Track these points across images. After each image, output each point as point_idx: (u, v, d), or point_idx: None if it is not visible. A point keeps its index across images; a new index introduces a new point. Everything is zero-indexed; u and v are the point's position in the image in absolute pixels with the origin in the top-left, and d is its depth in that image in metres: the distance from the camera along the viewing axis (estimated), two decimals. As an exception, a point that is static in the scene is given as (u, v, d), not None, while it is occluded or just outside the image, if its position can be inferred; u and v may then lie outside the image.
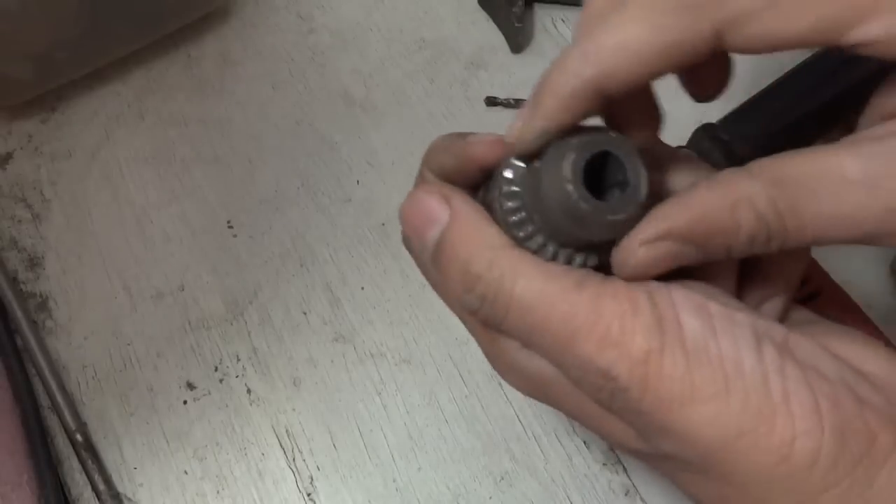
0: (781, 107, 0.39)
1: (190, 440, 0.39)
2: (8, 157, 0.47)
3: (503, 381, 0.40)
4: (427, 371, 0.41)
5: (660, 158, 0.25)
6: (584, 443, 0.39)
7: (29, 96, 0.47)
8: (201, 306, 0.42)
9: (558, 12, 0.52)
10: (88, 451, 0.38)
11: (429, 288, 0.42)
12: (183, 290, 0.43)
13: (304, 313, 0.42)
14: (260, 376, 0.40)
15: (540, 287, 0.22)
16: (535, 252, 0.23)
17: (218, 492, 0.38)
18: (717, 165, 0.38)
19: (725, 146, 0.39)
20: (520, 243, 0.23)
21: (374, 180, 0.46)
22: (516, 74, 0.49)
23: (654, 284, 0.21)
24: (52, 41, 0.43)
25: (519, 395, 0.40)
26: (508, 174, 0.24)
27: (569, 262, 0.23)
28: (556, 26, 0.52)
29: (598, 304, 0.21)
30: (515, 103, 0.48)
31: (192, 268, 0.43)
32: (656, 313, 0.20)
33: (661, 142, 0.26)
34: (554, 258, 0.23)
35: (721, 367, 0.20)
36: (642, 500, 0.38)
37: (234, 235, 0.44)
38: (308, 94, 0.49)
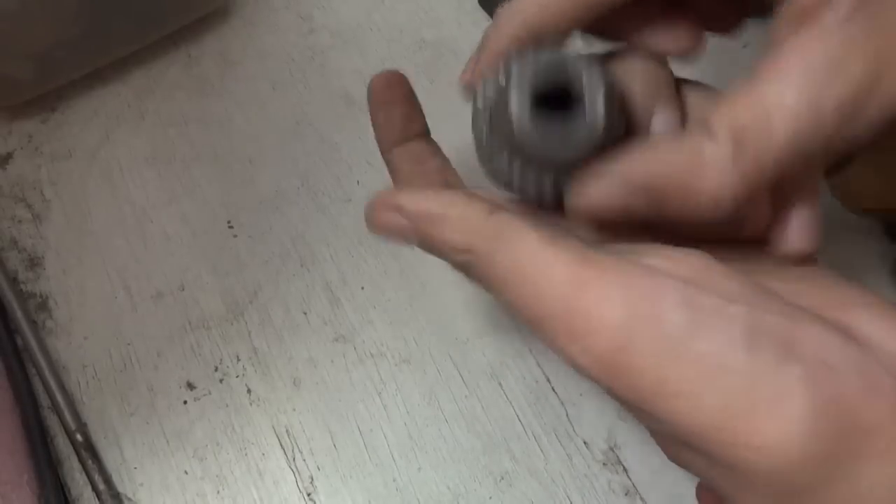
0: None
1: (190, 440, 0.39)
2: (8, 157, 0.47)
3: (503, 381, 0.40)
4: (427, 371, 0.41)
5: (658, 85, 0.25)
6: (585, 443, 0.39)
7: (29, 96, 0.47)
8: (201, 306, 0.42)
9: (558, 12, 0.52)
10: (88, 451, 0.38)
11: (429, 288, 0.43)
12: (183, 289, 0.43)
13: (305, 313, 0.42)
14: (260, 376, 0.41)
15: (525, 260, 0.21)
16: (504, 171, 0.23)
17: (218, 491, 0.38)
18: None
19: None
20: (488, 163, 0.24)
21: (375, 180, 0.46)
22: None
23: (648, 267, 0.21)
24: (53, 41, 0.43)
25: (519, 395, 0.40)
26: (482, 89, 0.24)
27: (539, 183, 0.23)
28: (556, 26, 0.52)
29: (575, 291, 0.20)
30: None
31: (192, 268, 0.43)
32: (631, 307, 0.20)
33: (667, 68, 0.26)
34: (522, 180, 0.23)
35: (698, 365, 0.19)
36: (642, 500, 0.38)
37: (235, 235, 0.44)
38: (308, 94, 0.49)
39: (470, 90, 0.25)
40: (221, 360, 0.41)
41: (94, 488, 0.37)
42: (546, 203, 0.24)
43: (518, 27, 0.24)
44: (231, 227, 0.45)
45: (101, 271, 0.43)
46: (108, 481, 0.38)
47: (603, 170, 0.22)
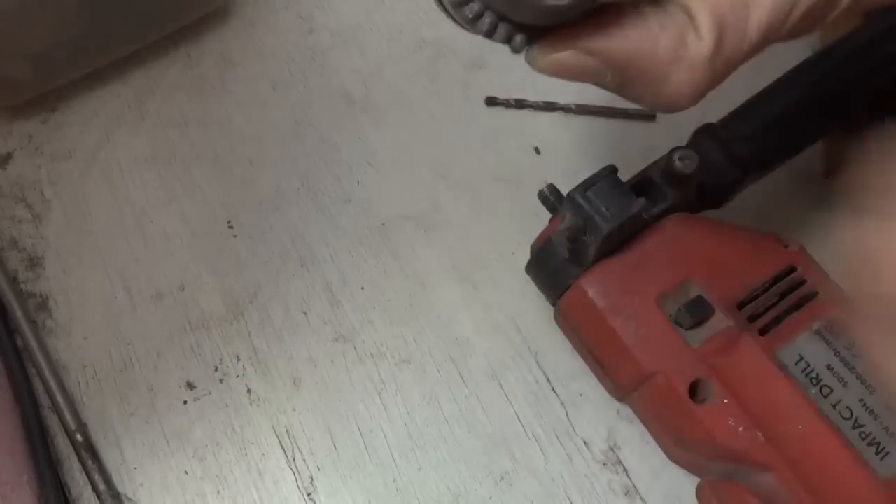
0: (781, 106, 0.39)
1: (190, 440, 0.39)
2: (8, 157, 0.47)
3: (503, 381, 0.40)
4: (427, 371, 0.41)
5: None
6: (585, 443, 0.39)
7: (29, 96, 0.47)
8: (201, 306, 0.42)
9: (558, 12, 0.52)
10: (88, 451, 0.38)
11: (429, 288, 0.43)
12: (183, 289, 0.43)
13: (305, 313, 0.42)
14: (260, 376, 0.40)
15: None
16: (471, 20, 0.22)
17: (218, 492, 0.38)
18: (717, 165, 0.38)
19: (726, 146, 0.39)
20: (456, 7, 0.22)
21: (375, 180, 0.46)
22: (516, 74, 0.49)
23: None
24: (53, 41, 0.43)
25: (519, 395, 0.40)
26: None
27: (509, 40, 0.22)
28: (556, 26, 0.52)
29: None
30: (515, 103, 0.48)
31: (192, 268, 0.43)
32: None
33: None
34: (489, 33, 0.22)
35: None
36: (642, 500, 0.38)
37: (235, 235, 0.44)
38: (308, 94, 0.49)
39: None
40: (221, 360, 0.41)
41: (94, 488, 0.37)
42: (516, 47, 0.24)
43: None
44: (231, 228, 0.45)
45: (101, 271, 0.43)
46: (108, 481, 0.38)
47: (576, 38, 0.22)
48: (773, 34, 0.22)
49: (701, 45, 0.21)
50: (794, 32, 0.22)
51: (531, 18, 0.22)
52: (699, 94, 0.22)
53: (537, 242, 0.39)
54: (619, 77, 0.22)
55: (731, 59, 0.22)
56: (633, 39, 0.22)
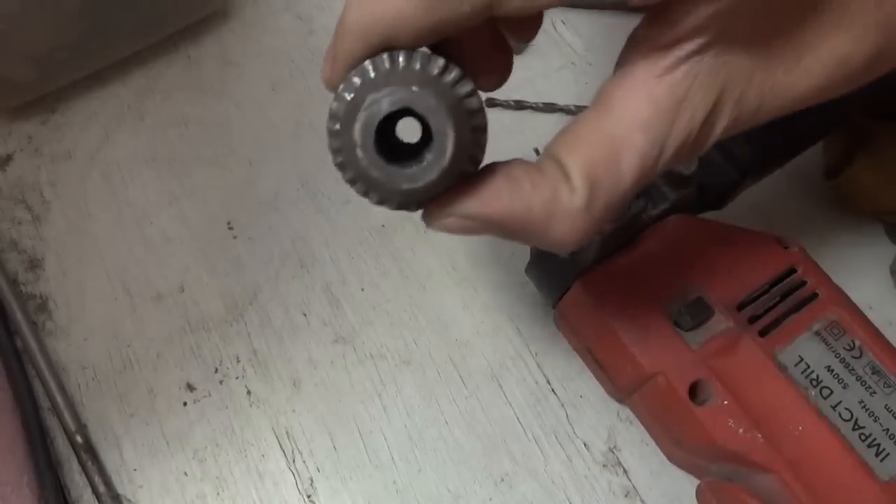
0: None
1: (190, 442, 0.39)
2: (8, 158, 0.47)
3: (503, 383, 0.40)
4: (427, 372, 0.41)
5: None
6: (585, 444, 0.39)
7: (29, 98, 0.47)
8: (201, 307, 0.42)
9: (558, 14, 0.52)
10: (88, 453, 0.38)
11: (429, 289, 0.43)
12: (183, 291, 0.43)
13: (304, 314, 0.42)
14: (260, 378, 0.40)
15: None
16: (363, 195, 0.22)
17: (218, 493, 0.38)
18: (717, 166, 0.38)
19: (726, 147, 0.39)
20: (338, 160, 0.22)
21: (374, 181, 0.46)
22: (516, 75, 0.49)
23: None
24: (53, 43, 0.43)
25: (519, 396, 0.40)
26: (333, 106, 0.22)
27: (386, 201, 0.23)
28: (555, 27, 0.52)
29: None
30: (515, 104, 0.48)
31: (191, 269, 0.43)
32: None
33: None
34: (379, 203, 0.22)
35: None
36: (642, 501, 0.38)
37: (234, 237, 0.44)
38: (308, 95, 0.49)
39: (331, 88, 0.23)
40: (221, 361, 0.41)
41: (94, 490, 0.37)
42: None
43: (370, 34, 0.23)
44: (231, 229, 0.45)
45: (100, 273, 0.43)
46: (107, 483, 0.38)
47: (452, 205, 0.23)
48: (648, 173, 0.23)
49: (574, 197, 0.22)
50: (672, 164, 0.23)
51: (397, 200, 0.22)
52: (584, 238, 0.23)
53: (537, 244, 0.39)
54: (501, 233, 0.23)
55: (610, 203, 0.22)
56: (506, 202, 0.22)
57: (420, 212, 0.24)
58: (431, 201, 0.23)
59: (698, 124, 0.22)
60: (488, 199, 0.22)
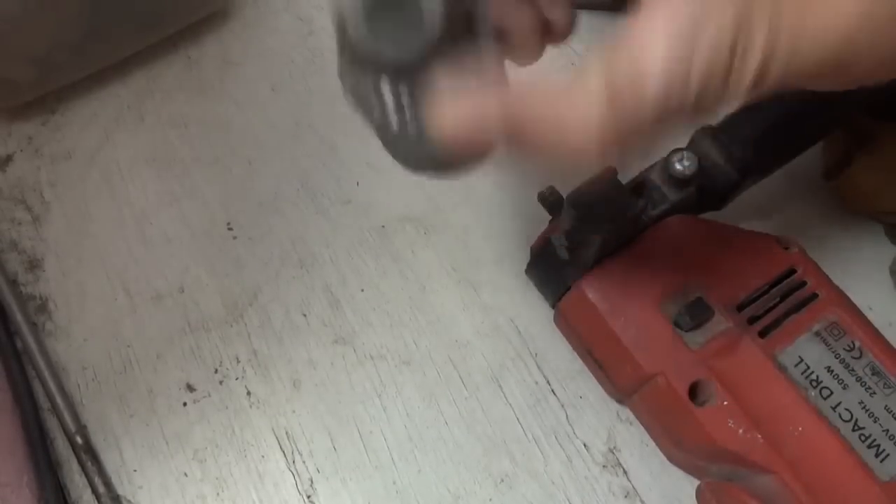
0: (781, 109, 0.39)
1: (190, 442, 0.39)
2: (8, 159, 0.47)
3: (503, 383, 0.40)
4: (427, 373, 0.41)
5: None
6: (584, 445, 0.39)
7: (29, 98, 0.47)
8: (201, 308, 0.42)
9: (558, 14, 0.52)
10: (88, 454, 0.38)
11: (429, 289, 0.43)
12: (183, 291, 0.43)
13: (304, 315, 0.42)
14: (260, 378, 0.40)
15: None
16: (351, 87, 0.22)
17: (218, 494, 0.38)
18: (717, 167, 0.38)
19: (726, 148, 0.39)
20: (343, 82, 0.22)
21: (374, 182, 0.46)
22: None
23: None
24: (53, 43, 0.43)
25: (519, 397, 0.40)
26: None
27: (379, 97, 0.22)
28: (555, 28, 0.52)
29: None
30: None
31: (191, 269, 0.43)
32: None
33: None
34: (365, 94, 0.22)
35: None
36: (642, 502, 0.38)
37: (234, 237, 0.44)
38: (308, 95, 0.49)
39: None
40: (221, 362, 0.41)
41: (94, 490, 0.37)
42: (390, 130, 0.23)
43: None
44: (231, 229, 0.45)
45: (100, 273, 0.43)
46: (107, 483, 0.38)
47: (468, 97, 0.22)
48: (673, 105, 0.22)
49: (592, 101, 0.22)
50: (700, 109, 0.22)
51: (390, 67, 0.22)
52: (594, 155, 0.22)
53: (537, 244, 0.39)
54: (515, 130, 0.23)
55: (628, 125, 0.22)
56: (527, 92, 0.22)
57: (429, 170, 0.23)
58: (420, 81, 0.21)
59: (724, 54, 0.21)
60: (509, 86, 0.22)
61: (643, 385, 0.35)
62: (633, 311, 0.35)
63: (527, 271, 0.40)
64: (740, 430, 0.33)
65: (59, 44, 0.43)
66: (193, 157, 0.47)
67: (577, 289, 0.36)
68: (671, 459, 0.38)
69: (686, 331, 0.35)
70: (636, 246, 0.36)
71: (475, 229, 0.45)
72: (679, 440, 0.35)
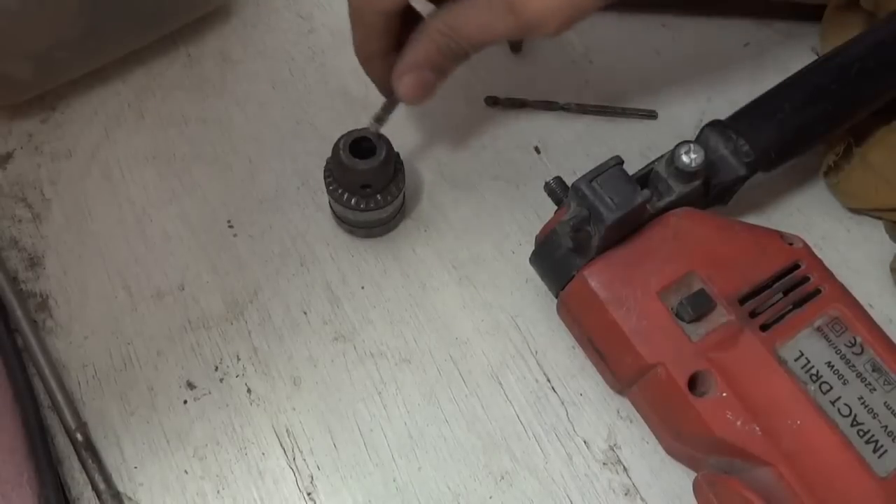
0: (789, 106, 0.40)
1: (190, 439, 0.39)
2: (8, 156, 0.47)
3: (503, 381, 0.40)
4: (427, 371, 0.41)
5: None
6: (585, 442, 0.39)
7: (29, 96, 0.47)
8: (201, 305, 0.42)
9: (558, 12, 0.52)
10: (88, 451, 0.38)
11: (429, 287, 0.43)
12: (183, 289, 0.43)
13: (305, 312, 0.42)
14: (260, 376, 0.40)
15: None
16: (335, 197, 0.41)
17: (218, 491, 0.38)
18: (724, 161, 0.38)
19: (733, 142, 0.39)
20: (329, 192, 0.41)
21: (375, 180, 0.46)
22: (516, 74, 0.49)
23: None
24: (53, 41, 0.43)
25: (519, 394, 0.40)
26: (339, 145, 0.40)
27: (349, 200, 0.40)
28: (556, 26, 0.52)
29: None
30: (515, 103, 0.48)
31: (192, 267, 0.43)
32: None
33: None
34: (343, 197, 0.40)
35: None
36: (642, 499, 0.38)
37: (235, 235, 0.44)
38: (308, 93, 0.49)
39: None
40: (221, 359, 0.41)
41: (95, 488, 0.37)
42: (347, 218, 0.43)
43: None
44: (231, 227, 0.45)
45: (101, 270, 0.43)
46: (108, 481, 0.38)
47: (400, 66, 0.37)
48: None
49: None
50: None
51: (361, 178, 0.40)
52: (557, 20, 0.32)
53: (541, 233, 0.39)
54: (458, 38, 0.35)
55: None
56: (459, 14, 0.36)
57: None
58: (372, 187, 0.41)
59: None
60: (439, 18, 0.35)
61: (643, 375, 0.35)
62: (635, 301, 0.35)
63: (531, 260, 0.40)
64: (738, 422, 0.33)
65: (59, 41, 0.43)
66: (194, 154, 0.47)
67: (580, 278, 0.36)
68: (669, 451, 0.38)
69: (687, 322, 0.35)
70: (640, 237, 0.36)
71: (475, 227, 0.45)
72: (678, 431, 0.35)
